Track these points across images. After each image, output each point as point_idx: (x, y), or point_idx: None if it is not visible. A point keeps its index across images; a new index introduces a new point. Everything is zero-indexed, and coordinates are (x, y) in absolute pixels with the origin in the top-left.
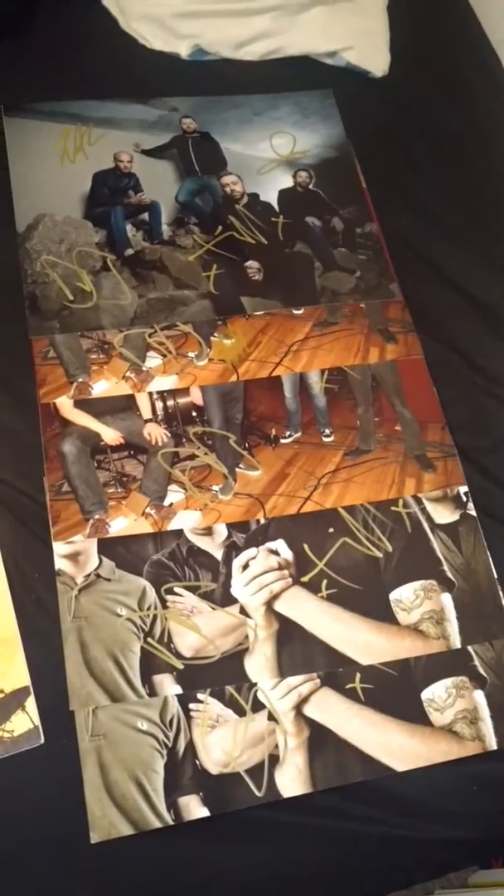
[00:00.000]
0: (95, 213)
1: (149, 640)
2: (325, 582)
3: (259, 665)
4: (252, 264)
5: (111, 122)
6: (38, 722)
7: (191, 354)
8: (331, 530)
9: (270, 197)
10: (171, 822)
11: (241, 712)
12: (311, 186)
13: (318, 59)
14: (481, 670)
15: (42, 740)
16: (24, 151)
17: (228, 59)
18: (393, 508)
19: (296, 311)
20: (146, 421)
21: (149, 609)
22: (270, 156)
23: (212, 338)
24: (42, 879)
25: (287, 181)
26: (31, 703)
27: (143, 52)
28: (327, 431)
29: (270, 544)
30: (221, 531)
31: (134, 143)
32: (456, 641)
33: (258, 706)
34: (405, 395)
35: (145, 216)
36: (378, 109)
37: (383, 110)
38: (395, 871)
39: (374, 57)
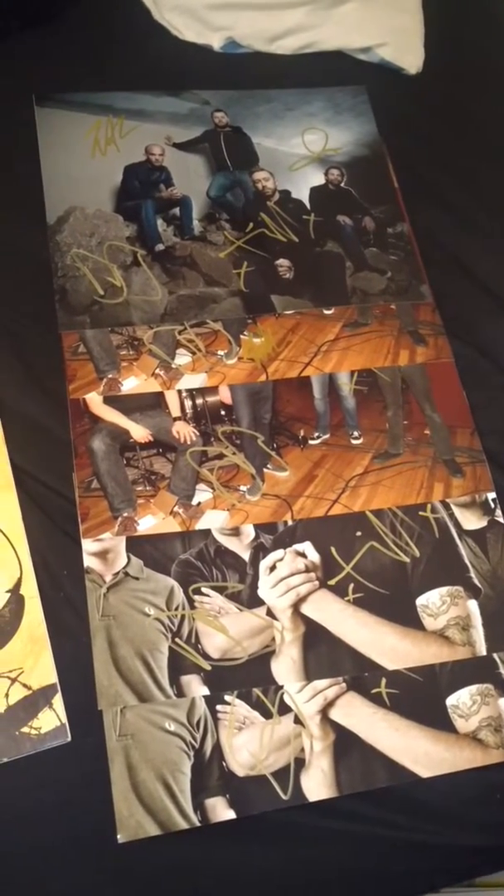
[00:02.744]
0: (126, 207)
1: (177, 640)
2: (351, 586)
3: (286, 668)
4: (283, 262)
5: (143, 114)
6: (64, 720)
7: (220, 353)
8: (358, 534)
9: (302, 194)
10: (198, 824)
11: (267, 715)
12: (342, 184)
13: (352, 55)
14: None
15: (69, 738)
16: (55, 142)
17: (261, 53)
18: (421, 513)
19: (326, 311)
20: (175, 419)
21: (177, 609)
22: (302, 152)
23: (241, 336)
24: (68, 876)
25: (319, 178)
26: (58, 700)
27: (174, 43)
28: (356, 434)
29: (298, 546)
30: (249, 532)
31: (165, 136)
32: (481, 648)
33: (284, 709)
34: (434, 399)
35: (176, 211)
36: (411, 107)
37: (416, 108)
38: (417, 877)
39: (408, 53)
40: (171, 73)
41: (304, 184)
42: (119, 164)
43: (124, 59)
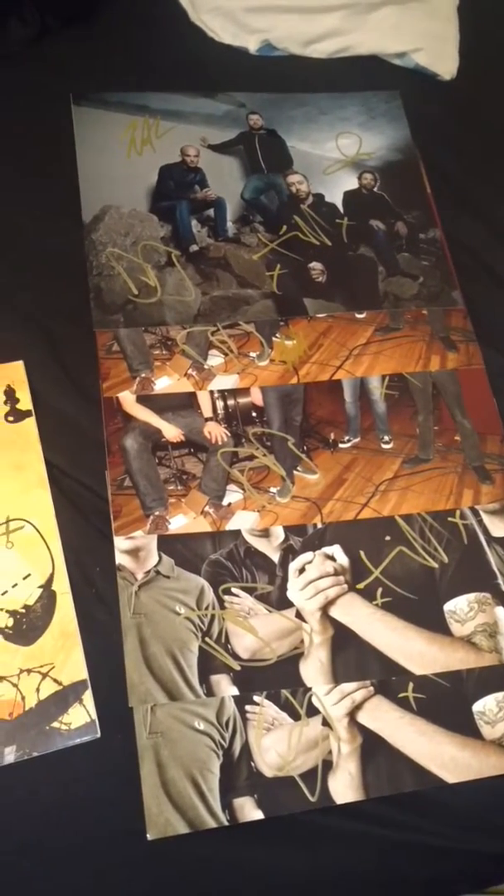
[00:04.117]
0: (161, 207)
1: (206, 639)
2: (380, 590)
3: (314, 670)
4: (315, 266)
5: (178, 115)
6: (94, 716)
7: (252, 354)
8: (387, 538)
9: (335, 198)
10: (226, 823)
11: (295, 716)
12: (375, 189)
13: (387, 60)
14: None
15: (98, 734)
16: (92, 141)
17: (296, 56)
18: (450, 519)
19: (358, 315)
20: (206, 419)
21: (207, 608)
22: (336, 156)
23: (273, 338)
24: (96, 871)
25: (352, 183)
26: (88, 696)
27: (210, 44)
28: (386, 438)
29: (327, 549)
30: (278, 534)
31: (201, 138)
32: None
33: (313, 711)
34: (465, 405)
35: (210, 212)
36: (445, 113)
37: (450, 114)
38: (440, 882)
39: (442, 59)
40: (206, 75)
41: (337, 188)
42: (154, 165)
43: (160, 60)
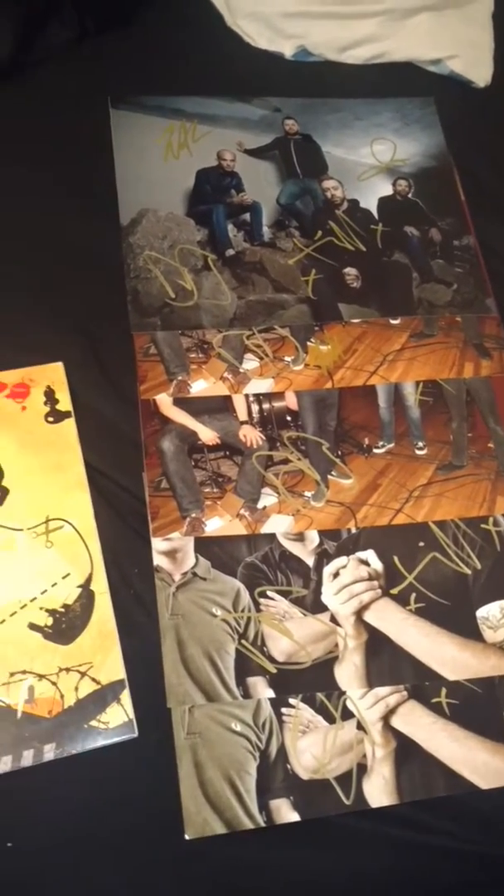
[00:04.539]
0: (198, 211)
1: (243, 641)
2: (413, 595)
3: (348, 674)
4: (350, 271)
5: (215, 119)
6: (132, 715)
7: (287, 359)
8: (421, 544)
9: (370, 204)
10: (263, 824)
11: (331, 719)
12: (410, 196)
13: (422, 66)
14: None
15: (136, 733)
16: (129, 145)
17: (331, 62)
18: (483, 526)
19: (392, 321)
20: (242, 423)
21: (243, 611)
22: (371, 162)
23: (308, 343)
24: (133, 869)
25: (387, 189)
26: (125, 696)
27: (246, 49)
28: (420, 444)
29: (361, 554)
30: (313, 538)
31: (237, 142)
32: None
33: (347, 714)
34: (499, 412)
35: (246, 216)
36: (479, 120)
37: (484, 121)
38: (471, 888)
39: (477, 67)
40: (242, 80)
41: (372, 194)
42: (191, 168)
43: (197, 64)
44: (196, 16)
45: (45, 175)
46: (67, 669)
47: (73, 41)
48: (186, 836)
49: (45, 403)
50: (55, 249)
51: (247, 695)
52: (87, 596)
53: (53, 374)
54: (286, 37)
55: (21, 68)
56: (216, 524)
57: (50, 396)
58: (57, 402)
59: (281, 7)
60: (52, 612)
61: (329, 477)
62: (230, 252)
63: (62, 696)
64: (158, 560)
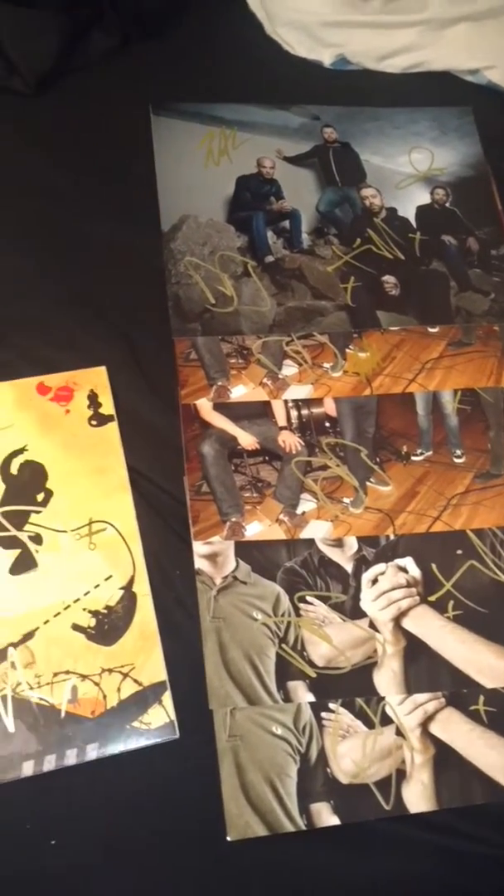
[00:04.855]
0: (238, 218)
1: (283, 646)
2: (451, 603)
3: (387, 680)
4: (389, 279)
5: (254, 126)
6: (173, 717)
7: (326, 365)
8: (459, 552)
9: (408, 212)
10: (304, 828)
11: (370, 725)
12: (447, 204)
13: (460, 76)
14: None
15: (177, 734)
16: (170, 151)
17: (370, 70)
18: None
19: (431, 329)
20: (281, 428)
21: (283, 615)
22: (409, 171)
23: (347, 350)
24: (173, 870)
25: (424, 197)
26: (167, 697)
27: (285, 57)
28: (458, 452)
29: (399, 561)
30: (352, 544)
31: (276, 150)
32: None
33: (386, 720)
34: None
35: (286, 224)
36: None
37: None
38: None
39: None
40: (281, 87)
41: (409, 202)
42: (231, 175)
43: (236, 72)
44: (236, 24)
45: (88, 181)
46: (110, 670)
47: (115, 48)
48: (228, 838)
49: (89, 407)
50: (98, 254)
51: (287, 698)
52: (129, 598)
53: (96, 378)
54: (325, 45)
55: (65, 75)
56: (256, 529)
57: (93, 400)
58: (100, 405)
59: (321, 16)
60: (94, 614)
61: (367, 483)
62: (270, 259)
63: (105, 697)
64: (199, 563)
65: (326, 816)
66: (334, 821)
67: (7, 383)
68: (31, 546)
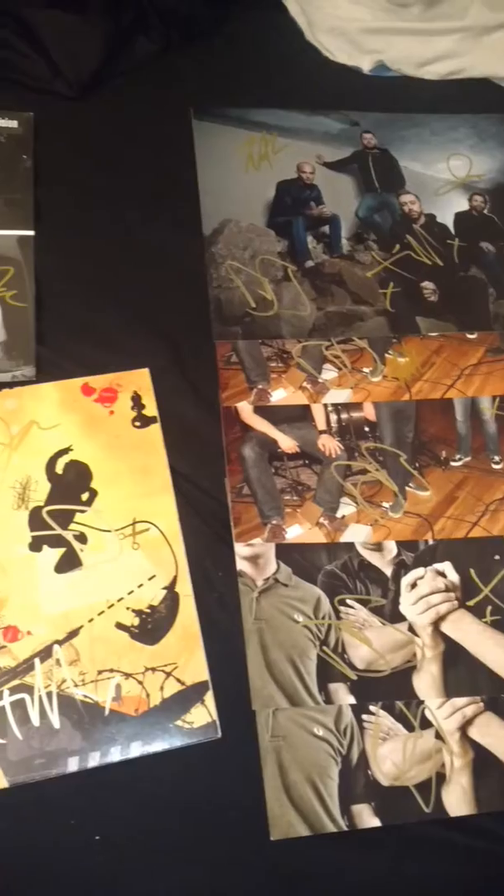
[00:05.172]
0: (278, 222)
1: (324, 648)
2: (489, 608)
3: (426, 683)
4: (427, 285)
5: (294, 132)
6: (215, 716)
7: (365, 370)
8: (496, 557)
9: (447, 219)
10: (346, 829)
11: (409, 728)
12: (485, 211)
13: (499, 83)
14: None
15: (219, 734)
16: (211, 155)
17: (409, 77)
18: None
19: (469, 336)
20: (320, 432)
21: (324, 618)
22: (447, 177)
23: (386, 355)
24: (215, 868)
25: (463, 204)
26: (209, 697)
27: (324, 63)
28: (496, 458)
29: (438, 566)
30: (391, 548)
31: (316, 155)
32: None
33: (426, 723)
34: None
35: (326, 229)
36: None
37: None
38: None
39: None
40: (320, 93)
41: (448, 209)
42: (271, 180)
43: (276, 77)
44: (276, 30)
45: (131, 183)
46: (153, 669)
47: (158, 53)
48: (271, 838)
49: (133, 408)
50: (140, 257)
51: (328, 700)
52: (171, 597)
53: (140, 380)
54: (365, 52)
55: (108, 79)
56: (296, 531)
57: (137, 401)
58: (143, 407)
59: (361, 22)
60: (138, 613)
61: (406, 488)
62: (310, 263)
63: (148, 696)
64: (241, 565)
65: (367, 818)
66: (375, 822)
67: (52, 384)
68: (76, 545)
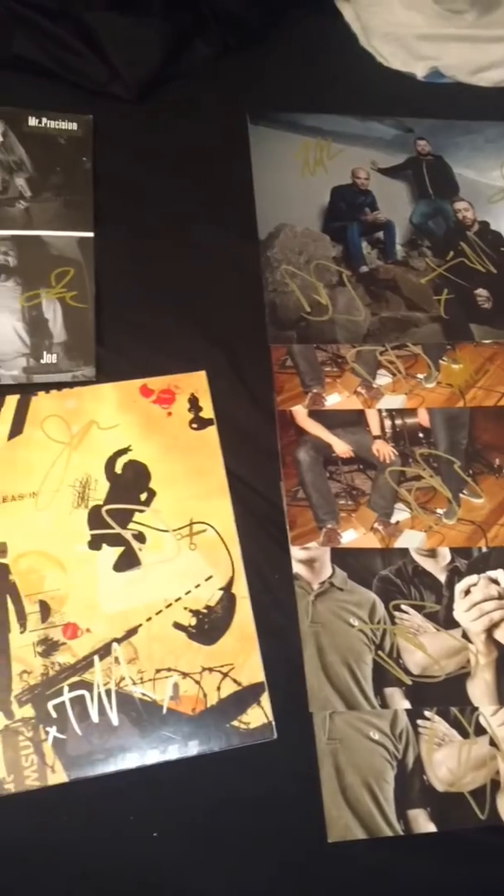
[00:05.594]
0: (333, 228)
1: (379, 652)
2: None
3: (480, 690)
4: (482, 292)
5: (349, 137)
6: (271, 717)
7: (419, 376)
8: None
9: (500, 226)
10: (402, 833)
11: (464, 734)
12: None
13: None
14: None
15: (275, 735)
16: (267, 160)
17: (463, 84)
18: None
19: None
20: (375, 437)
21: (379, 623)
22: (501, 185)
23: (440, 361)
24: (270, 869)
25: None
26: (265, 698)
27: (378, 69)
28: None
29: (491, 573)
30: (445, 554)
31: (371, 161)
32: None
33: (480, 730)
34: None
35: (380, 235)
36: None
37: None
38: None
39: None
40: (374, 99)
41: (502, 216)
42: (326, 185)
43: (330, 83)
44: (331, 35)
45: (187, 186)
46: (210, 669)
47: (215, 58)
48: (328, 840)
49: (190, 410)
50: (197, 259)
51: (384, 704)
52: (228, 598)
53: (197, 382)
54: (419, 58)
55: (166, 82)
56: (351, 536)
57: (194, 404)
58: (200, 409)
59: (416, 29)
60: (195, 613)
61: (460, 495)
62: (364, 269)
63: (205, 695)
64: (297, 568)
65: (423, 823)
66: (431, 828)
67: (112, 385)
68: (135, 544)
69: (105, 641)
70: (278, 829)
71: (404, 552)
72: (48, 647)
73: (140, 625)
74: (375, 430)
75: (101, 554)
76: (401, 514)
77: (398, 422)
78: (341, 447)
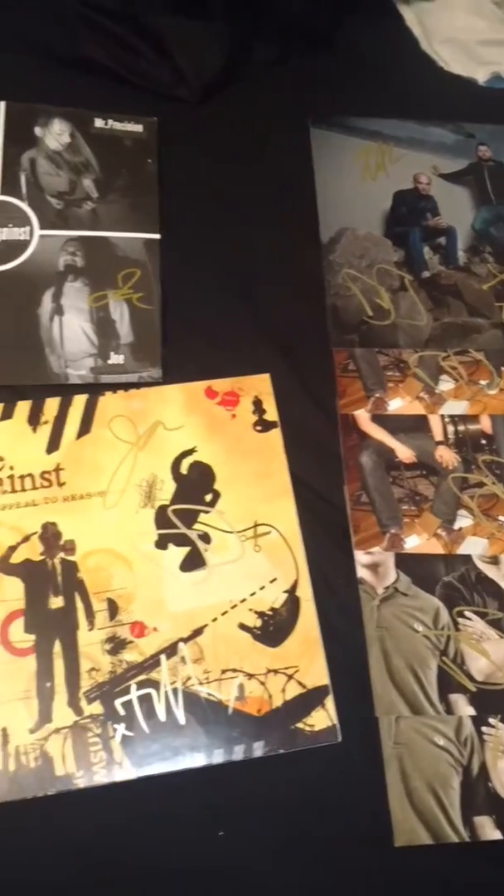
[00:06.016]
0: (395, 232)
1: (444, 658)
2: None
3: None
4: None
5: (410, 142)
6: (336, 720)
7: (482, 382)
8: None
9: None
10: (468, 840)
11: None
12: None
13: None
14: None
15: (339, 739)
16: (329, 164)
17: None
18: None
19: None
20: (437, 443)
21: (442, 628)
22: None
23: (503, 368)
24: (336, 873)
25: None
26: (329, 701)
27: (438, 73)
28: None
29: None
30: None
31: (432, 166)
32: None
33: None
34: None
35: (442, 240)
36: None
37: None
38: None
39: None
40: (434, 104)
41: None
42: (388, 190)
43: (390, 87)
44: (392, 39)
45: (250, 189)
46: (275, 671)
47: (277, 61)
48: (395, 844)
49: (254, 412)
50: (261, 262)
51: (449, 710)
52: (292, 601)
53: (261, 385)
54: (481, 63)
55: (228, 85)
56: (414, 542)
57: (258, 406)
58: (264, 411)
59: (478, 33)
60: (260, 615)
61: None
62: (426, 274)
63: (270, 697)
64: (361, 573)
65: (489, 830)
66: (497, 836)
67: (177, 386)
68: (201, 545)
69: (171, 641)
70: (343, 832)
71: (467, 559)
72: (116, 644)
73: (206, 625)
74: (438, 436)
75: (168, 553)
76: (463, 520)
77: (461, 428)
78: (404, 452)
